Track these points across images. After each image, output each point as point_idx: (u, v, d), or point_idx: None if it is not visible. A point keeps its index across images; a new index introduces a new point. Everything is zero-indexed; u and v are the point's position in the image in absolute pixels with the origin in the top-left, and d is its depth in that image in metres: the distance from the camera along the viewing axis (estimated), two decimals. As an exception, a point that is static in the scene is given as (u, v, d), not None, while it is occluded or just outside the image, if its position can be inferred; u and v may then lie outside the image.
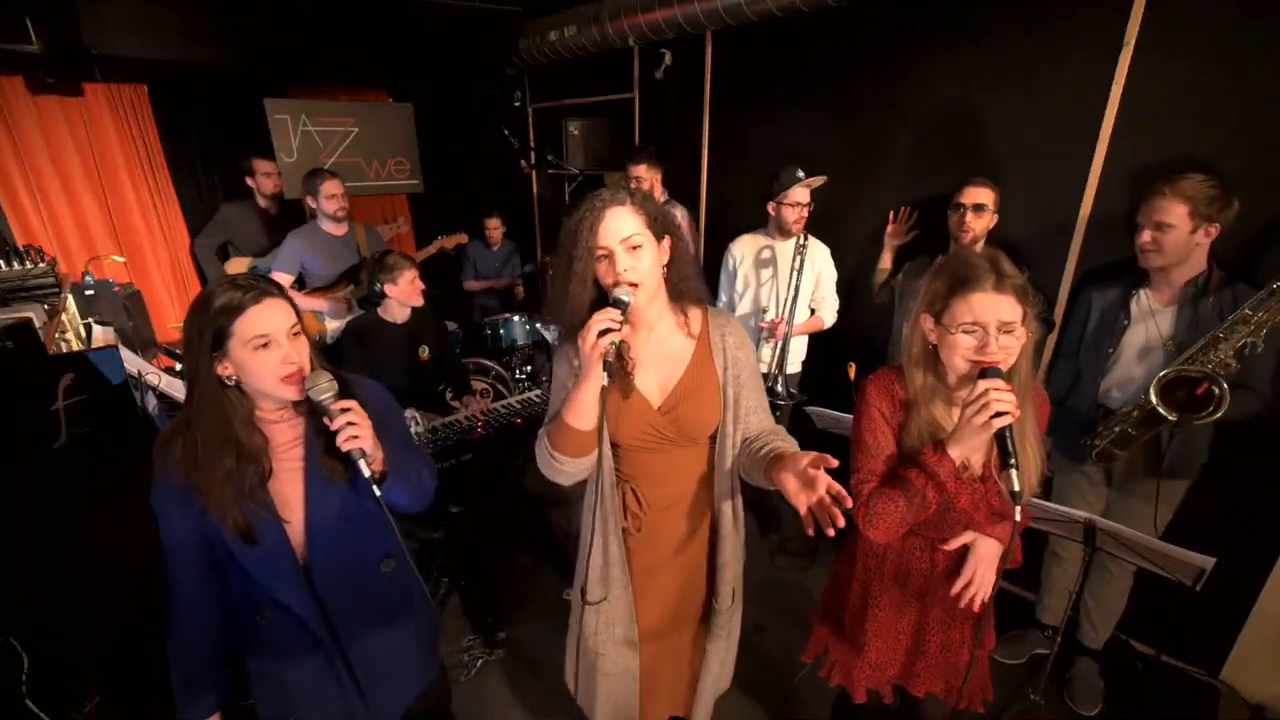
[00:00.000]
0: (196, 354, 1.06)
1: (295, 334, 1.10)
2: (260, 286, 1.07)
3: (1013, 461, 1.05)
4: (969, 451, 1.14)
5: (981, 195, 2.17)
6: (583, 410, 1.17)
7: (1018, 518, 1.06)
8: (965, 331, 1.11)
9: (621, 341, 1.10)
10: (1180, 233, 1.65)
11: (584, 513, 1.44)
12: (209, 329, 1.04)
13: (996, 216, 2.20)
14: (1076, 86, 2.16)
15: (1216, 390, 1.59)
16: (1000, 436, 1.06)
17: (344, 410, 1.08)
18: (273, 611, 1.19)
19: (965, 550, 1.33)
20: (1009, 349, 1.10)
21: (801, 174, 2.55)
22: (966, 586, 1.27)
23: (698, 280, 1.30)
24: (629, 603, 1.42)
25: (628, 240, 1.16)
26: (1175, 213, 1.64)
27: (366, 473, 1.09)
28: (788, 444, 1.29)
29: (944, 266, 1.19)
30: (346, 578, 1.21)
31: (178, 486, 1.09)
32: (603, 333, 1.07)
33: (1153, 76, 2.01)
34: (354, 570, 1.22)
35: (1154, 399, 1.66)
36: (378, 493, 1.11)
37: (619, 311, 1.11)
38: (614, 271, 1.16)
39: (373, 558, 1.24)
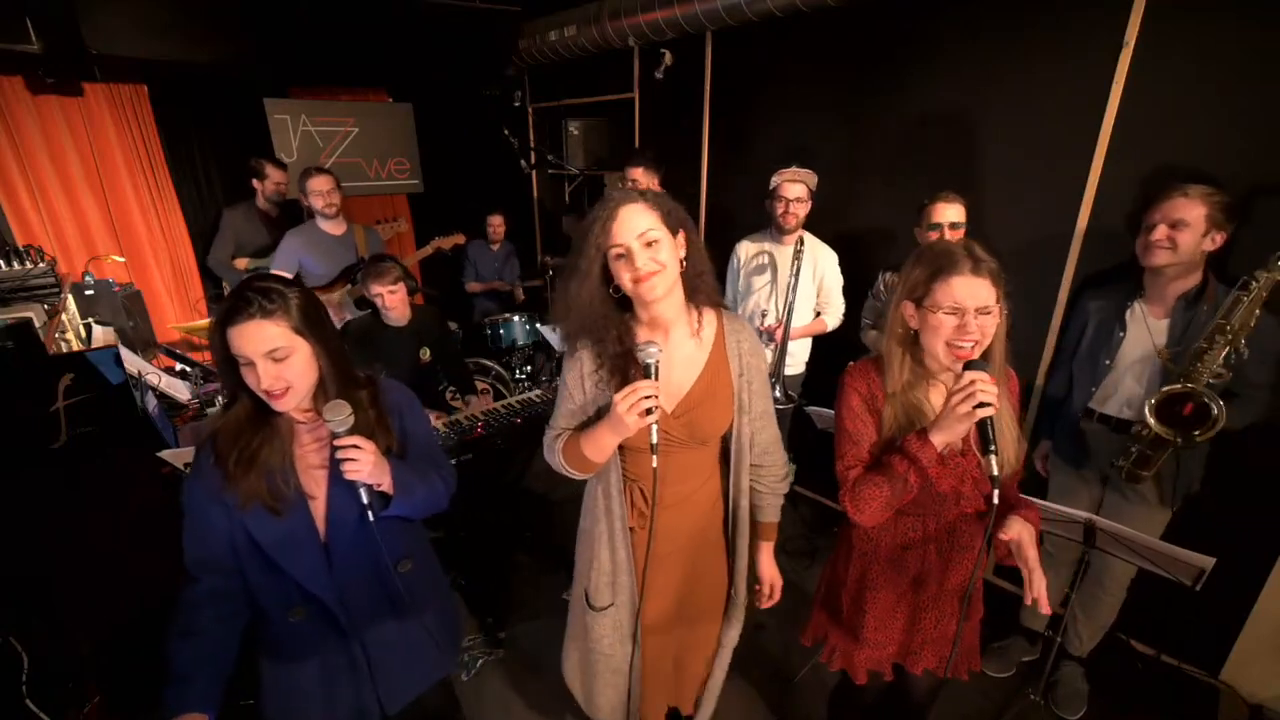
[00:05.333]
0: (216, 355, 1.12)
1: (278, 358, 1.09)
2: (249, 304, 1.06)
3: (993, 448, 1.12)
4: (951, 439, 1.20)
5: (953, 212, 2.16)
6: (604, 451, 1.23)
7: (995, 500, 1.12)
8: (946, 313, 1.18)
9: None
10: (1194, 233, 1.67)
11: (586, 517, 1.44)
12: (215, 339, 1.09)
13: (965, 226, 2.20)
14: (1076, 86, 2.16)
15: (1210, 405, 1.60)
16: (981, 424, 1.13)
17: (351, 445, 1.12)
18: (304, 607, 1.22)
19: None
20: (985, 329, 1.17)
21: (796, 166, 2.51)
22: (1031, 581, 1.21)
23: (712, 276, 1.29)
24: (634, 603, 1.42)
25: (644, 235, 1.13)
26: (1194, 212, 1.65)
27: (365, 500, 1.15)
28: (769, 499, 1.47)
29: (922, 255, 1.25)
30: (365, 573, 1.25)
31: (212, 481, 1.13)
32: (646, 411, 1.10)
33: (1153, 76, 2.01)
34: (372, 566, 1.26)
35: (1151, 422, 1.69)
36: (371, 518, 1.16)
37: (654, 383, 1.11)
38: (633, 268, 1.14)
39: (391, 557, 1.28)
